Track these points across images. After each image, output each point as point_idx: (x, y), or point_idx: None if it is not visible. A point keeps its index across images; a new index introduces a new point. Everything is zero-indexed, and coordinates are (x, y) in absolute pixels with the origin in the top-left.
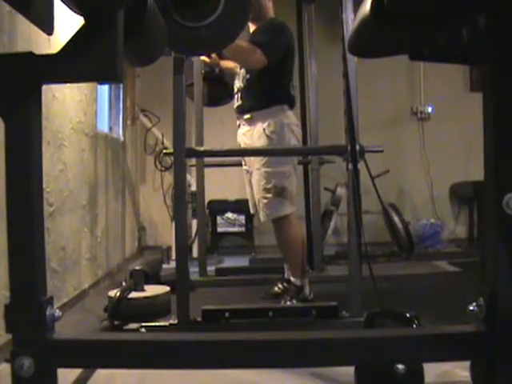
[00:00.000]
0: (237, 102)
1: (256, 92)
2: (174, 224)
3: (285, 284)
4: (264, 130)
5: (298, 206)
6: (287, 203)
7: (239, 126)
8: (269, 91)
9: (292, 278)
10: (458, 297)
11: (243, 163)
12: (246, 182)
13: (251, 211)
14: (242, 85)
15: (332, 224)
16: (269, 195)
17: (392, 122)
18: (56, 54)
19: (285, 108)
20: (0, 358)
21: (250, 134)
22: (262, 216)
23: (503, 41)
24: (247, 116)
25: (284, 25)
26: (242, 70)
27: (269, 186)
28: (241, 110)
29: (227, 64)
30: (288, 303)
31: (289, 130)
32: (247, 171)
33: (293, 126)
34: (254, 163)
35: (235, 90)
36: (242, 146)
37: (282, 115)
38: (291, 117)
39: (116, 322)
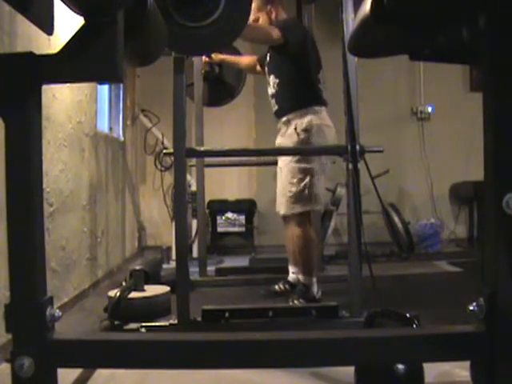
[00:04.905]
0: (273, 107)
1: (288, 95)
2: (174, 224)
3: (286, 286)
4: (295, 128)
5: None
6: (311, 200)
7: (279, 129)
8: (299, 93)
9: (300, 276)
10: (457, 297)
11: (279, 162)
12: (278, 180)
13: (277, 209)
14: (273, 91)
15: (332, 224)
16: (293, 189)
17: (392, 122)
18: (56, 54)
19: (316, 109)
20: (0, 358)
21: (285, 133)
22: (284, 208)
23: (503, 41)
24: (284, 119)
25: (297, 20)
26: (272, 77)
27: (294, 181)
28: (278, 115)
29: (229, 59)
30: (295, 302)
31: (319, 130)
32: (280, 169)
33: (323, 127)
34: (286, 160)
35: (269, 96)
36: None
37: (313, 116)
38: (324, 118)
39: (116, 322)
